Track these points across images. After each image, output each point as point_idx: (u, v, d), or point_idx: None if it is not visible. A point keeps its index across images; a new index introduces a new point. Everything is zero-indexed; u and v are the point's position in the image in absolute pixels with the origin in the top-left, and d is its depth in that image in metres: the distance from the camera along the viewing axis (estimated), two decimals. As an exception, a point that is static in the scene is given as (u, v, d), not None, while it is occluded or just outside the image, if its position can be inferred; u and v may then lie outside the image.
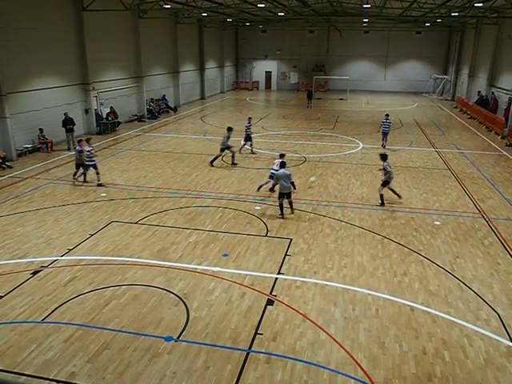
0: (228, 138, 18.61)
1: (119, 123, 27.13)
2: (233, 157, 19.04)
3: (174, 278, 9.69)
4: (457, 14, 31.08)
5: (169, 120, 30.95)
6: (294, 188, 13.76)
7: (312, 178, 16.24)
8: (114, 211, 13.68)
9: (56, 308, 8.58)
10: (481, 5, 27.22)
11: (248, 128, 20.68)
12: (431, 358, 7.40)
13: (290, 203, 13.49)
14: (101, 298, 8.92)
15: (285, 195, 13.21)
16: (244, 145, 21.04)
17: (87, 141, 16.49)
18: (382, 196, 14.36)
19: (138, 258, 10.66)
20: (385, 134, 22.65)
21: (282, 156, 14.46)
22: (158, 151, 21.40)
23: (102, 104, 26.60)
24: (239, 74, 54.38)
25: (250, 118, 21.30)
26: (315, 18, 38.88)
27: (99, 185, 15.95)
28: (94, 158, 15.98)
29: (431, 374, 7.05)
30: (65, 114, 21.69)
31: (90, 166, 16.04)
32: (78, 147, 16.13)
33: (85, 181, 16.36)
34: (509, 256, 11.02)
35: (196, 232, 12.16)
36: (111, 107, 26.83)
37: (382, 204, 14.30)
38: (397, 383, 6.82)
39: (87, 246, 11.31)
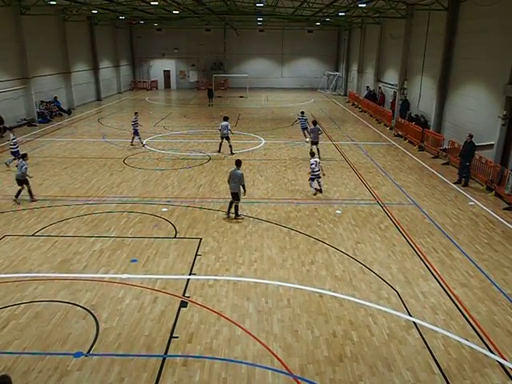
0: (227, 127, 20.15)
1: (6, 129, 24.99)
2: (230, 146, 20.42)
3: (80, 290, 9.19)
4: (343, 13, 32.95)
5: (63, 123, 29.16)
6: (244, 190, 12.99)
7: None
8: (6, 224, 12.61)
9: None
10: (364, 5, 29.16)
11: (134, 123, 21.81)
12: (341, 339, 7.80)
13: (236, 208, 13.01)
14: (-3, 320, 8.18)
15: (232, 196, 12.84)
16: (133, 139, 22.25)
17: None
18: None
19: (37, 272, 9.95)
20: (303, 129, 23.66)
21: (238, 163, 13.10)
22: (52, 157, 20.09)
23: (-16, 108, 24.34)
24: (136, 74, 52.80)
25: (136, 113, 22.45)
26: (210, 16, 38.95)
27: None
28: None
29: (342, 354, 7.44)
30: None
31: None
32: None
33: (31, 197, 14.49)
34: (402, 238, 11.96)
35: (101, 239, 11.64)
36: (-4, 112, 24.67)
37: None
38: (311, 368, 7.10)
39: (-23, 264, 10.31)
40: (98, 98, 41.13)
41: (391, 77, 32.53)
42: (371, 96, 35.46)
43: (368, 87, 37.52)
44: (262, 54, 52.00)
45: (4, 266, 10.23)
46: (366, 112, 34.52)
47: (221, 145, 21.09)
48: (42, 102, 30.74)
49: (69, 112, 32.95)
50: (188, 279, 9.68)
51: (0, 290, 9.21)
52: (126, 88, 49.48)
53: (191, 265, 10.32)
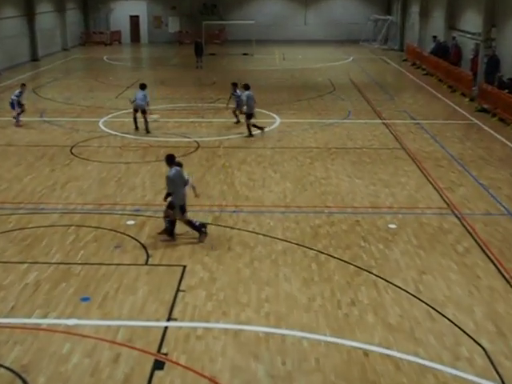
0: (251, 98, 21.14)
1: None
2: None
3: (5, 343, 9.13)
4: None
5: (-19, 95, 29.35)
6: (196, 195, 13.07)
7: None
8: None
9: None
10: None
11: (17, 97, 22.73)
12: (397, 420, 7.68)
13: (188, 224, 12.83)
14: None
15: (181, 208, 12.59)
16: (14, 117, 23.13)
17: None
18: (248, 126, 16.95)
19: None
20: (238, 106, 22.78)
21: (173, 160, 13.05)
22: (-34, 144, 20.21)
23: None
24: (90, 22, 53.24)
25: (23, 85, 23.61)
26: None
27: None
28: None
29: None
30: None
31: None
32: None
33: None
34: (491, 265, 11.80)
35: (36, 267, 11.59)
36: None
37: (251, 135, 16.59)
38: None
39: None
40: (34, 58, 41.49)
41: (471, 22, 32.40)
42: (441, 51, 35.33)
43: (436, 38, 37.41)
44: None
45: None
46: (432, 75, 34.39)
47: (135, 119, 21.92)
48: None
49: (-10, 78, 33.22)
50: (165, 327, 9.58)
51: None
52: (74, 42, 49.94)
53: (170, 305, 10.23)
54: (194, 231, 12.83)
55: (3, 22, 36.93)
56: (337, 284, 11.01)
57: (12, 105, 22.96)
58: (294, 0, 52.41)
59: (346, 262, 11.88)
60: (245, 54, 44.44)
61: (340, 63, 40.43)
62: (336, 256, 12.12)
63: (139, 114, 21.60)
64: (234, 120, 22.87)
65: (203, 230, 12.86)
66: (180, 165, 12.93)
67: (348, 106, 26.52)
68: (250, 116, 21.01)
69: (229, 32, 52.39)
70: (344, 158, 18.83)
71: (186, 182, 12.68)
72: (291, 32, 52.96)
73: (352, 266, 11.68)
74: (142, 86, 21.65)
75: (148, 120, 21.59)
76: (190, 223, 12.79)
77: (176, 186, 12.49)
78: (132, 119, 21.81)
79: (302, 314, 10.00)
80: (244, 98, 21.02)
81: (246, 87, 21.28)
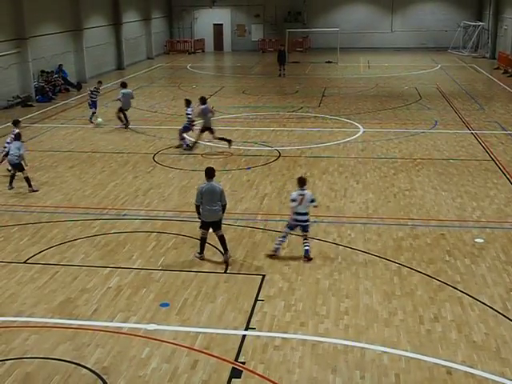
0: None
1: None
2: None
3: (88, 345, 9.47)
4: None
5: (70, 103, 30.58)
6: (223, 212, 12.36)
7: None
8: (-11, 246, 13.37)
9: None
10: None
11: (93, 92, 25.13)
12: None
13: (221, 239, 12.39)
14: (-28, 383, 8.64)
15: (210, 225, 12.32)
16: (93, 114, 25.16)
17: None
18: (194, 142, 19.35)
19: (29, 316, 10.38)
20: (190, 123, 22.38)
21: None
22: (54, 151, 21.07)
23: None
24: (174, 30, 54.39)
25: (99, 82, 26.09)
26: None
27: None
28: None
29: None
30: None
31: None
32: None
33: None
34: None
35: (118, 272, 11.97)
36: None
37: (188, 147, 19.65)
38: None
39: None
40: (120, 67, 42.78)
41: None
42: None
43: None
44: (361, -4, 51.83)
45: (-17, 305, 10.82)
46: (525, 85, 33.32)
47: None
48: (43, 72, 32.37)
49: (78, 86, 34.50)
50: (243, 336, 9.68)
51: (-23, 339, 9.73)
52: (158, 51, 51.10)
53: (249, 314, 10.33)
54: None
55: (92, 31, 38.31)
56: (419, 299, 10.84)
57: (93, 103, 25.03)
58: (380, 6, 51.92)
59: (429, 276, 11.68)
60: (328, 62, 44.34)
61: (427, 71, 39.73)
62: (419, 270, 11.93)
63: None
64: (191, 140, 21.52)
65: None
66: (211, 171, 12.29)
67: (434, 116, 26.03)
68: (205, 130, 20.57)
69: (312, 40, 52.40)
70: (430, 169, 18.50)
71: (219, 198, 12.08)
72: (377, 39, 52.48)
73: (436, 281, 11.48)
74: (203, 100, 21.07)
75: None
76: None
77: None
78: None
79: (382, 329, 9.90)
80: (196, 113, 20.81)
81: (202, 101, 20.66)
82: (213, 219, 12.11)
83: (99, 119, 23.83)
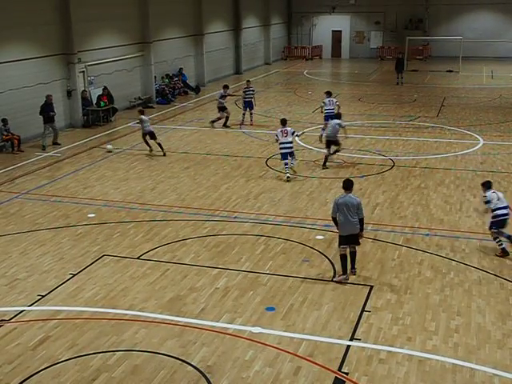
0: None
1: (115, 110, 27.77)
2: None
3: (194, 343, 9.70)
4: None
5: (188, 105, 31.47)
6: (362, 228, 11.89)
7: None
8: (107, 240, 13.93)
9: (21, 382, 8.76)
10: None
11: (248, 92, 25.82)
12: None
13: (352, 255, 12.06)
14: (85, 370, 9.03)
15: (348, 240, 11.88)
16: (244, 115, 26.18)
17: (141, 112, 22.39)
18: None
19: (139, 310, 10.77)
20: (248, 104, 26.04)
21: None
22: (171, 152, 21.75)
23: (91, 83, 27.35)
24: (293, 37, 54.76)
25: (248, 81, 26.82)
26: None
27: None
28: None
29: None
30: (47, 96, 22.45)
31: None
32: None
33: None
34: None
35: (227, 273, 12.19)
36: (104, 88, 27.47)
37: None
38: None
39: (67, 291, 11.53)
40: (237, 71, 43.58)
41: None
42: None
43: None
44: (487, 2, 49.89)
45: (100, 296, 11.29)
46: None
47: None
48: (167, 75, 33.42)
49: (197, 90, 35.44)
50: (348, 346, 9.61)
51: (92, 328, 10.16)
52: (276, 57, 51.60)
53: (354, 325, 10.24)
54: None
55: (212, 36, 39.23)
56: (536, 322, 10.36)
57: (250, 104, 26.02)
58: (506, 15, 49.91)
59: (548, 298, 11.14)
60: (449, 71, 43.19)
61: (555, 83, 37.90)
62: (537, 291, 11.41)
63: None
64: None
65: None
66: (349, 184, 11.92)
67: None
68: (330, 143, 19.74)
69: (433, 48, 51.17)
70: (553, 185, 17.62)
71: (357, 212, 11.65)
72: (502, 48, 50.44)
73: (555, 304, 10.93)
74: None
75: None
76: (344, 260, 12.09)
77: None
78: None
79: (494, 350, 9.55)
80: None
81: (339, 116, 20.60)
82: (349, 232, 11.76)
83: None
